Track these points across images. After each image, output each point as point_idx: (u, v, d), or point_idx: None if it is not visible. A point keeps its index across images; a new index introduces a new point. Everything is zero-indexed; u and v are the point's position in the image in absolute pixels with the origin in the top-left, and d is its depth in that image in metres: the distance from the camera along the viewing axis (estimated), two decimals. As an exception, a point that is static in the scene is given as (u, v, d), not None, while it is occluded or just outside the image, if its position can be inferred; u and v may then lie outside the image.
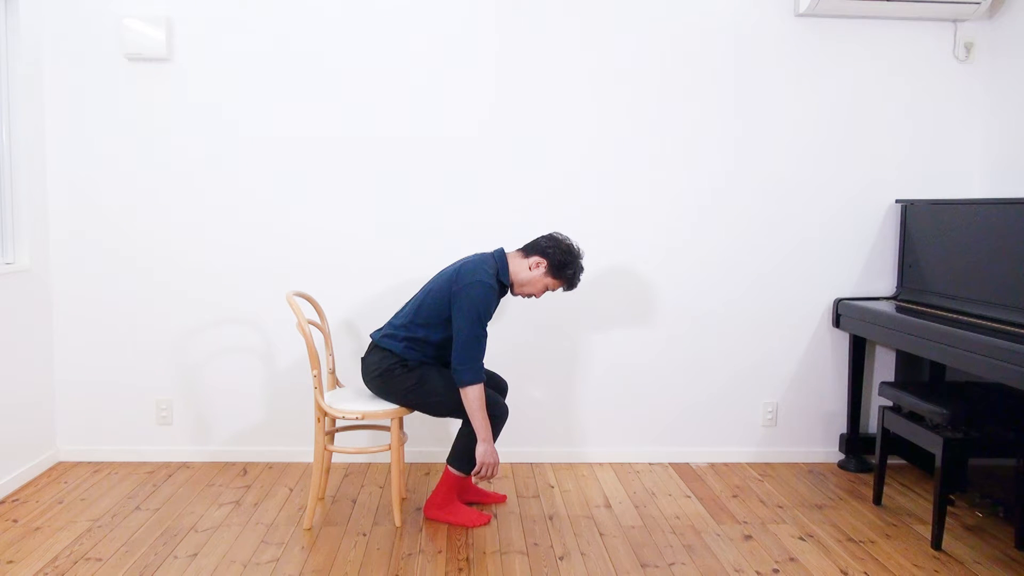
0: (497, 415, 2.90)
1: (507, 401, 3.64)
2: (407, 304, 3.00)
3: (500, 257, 2.94)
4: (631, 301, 3.64)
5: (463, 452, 2.91)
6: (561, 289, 2.98)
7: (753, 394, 3.71)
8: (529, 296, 2.99)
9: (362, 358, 2.99)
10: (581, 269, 2.95)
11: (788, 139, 3.59)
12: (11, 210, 3.31)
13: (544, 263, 2.92)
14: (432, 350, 2.91)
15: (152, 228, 3.52)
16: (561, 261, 2.90)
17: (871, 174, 3.63)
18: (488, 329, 3.56)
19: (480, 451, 2.85)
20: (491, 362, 3.61)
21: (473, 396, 2.80)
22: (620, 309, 3.64)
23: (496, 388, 3.11)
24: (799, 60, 3.56)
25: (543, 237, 2.96)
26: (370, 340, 3.12)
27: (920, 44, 3.57)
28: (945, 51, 3.58)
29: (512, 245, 3.55)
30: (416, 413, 3.61)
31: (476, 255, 2.96)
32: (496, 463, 2.87)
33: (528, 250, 2.96)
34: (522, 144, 3.53)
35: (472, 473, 2.92)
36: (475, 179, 3.53)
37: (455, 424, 3.64)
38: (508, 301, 3.60)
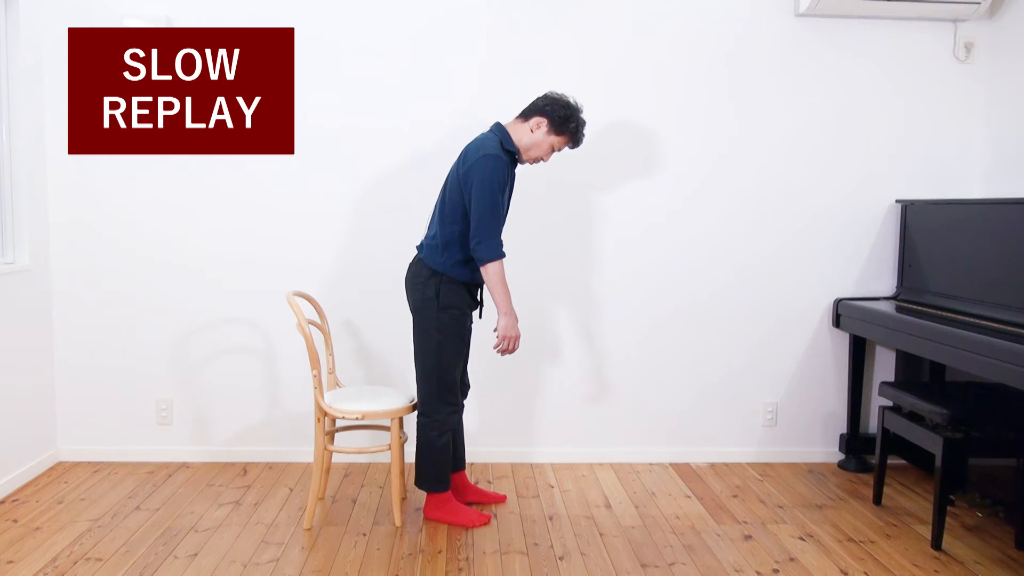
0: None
1: (508, 400, 3.64)
2: (432, 215, 2.97)
3: (499, 129, 2.90)
4: (631, 301, 3.63)
5: (423, 468, 2.93)
6: (568, 147, 2.94)
7: (753, 394, 3.71)
8: (537, 161, 2.94)
9: (409, 264, 2.97)
10: (583, 122, 2.90)
11: (787, 139, 3.59)
12: (11, 210, 3.30)
13: (544, 121, 2.86)
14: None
15: (153, 228, 3.51)
16: (562, 116, 2.85)
17: (871, 174, 3.62)
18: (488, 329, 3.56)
19: (502, 324, 2.84)
20: (491, 361, 3.60)
21: (492, 271, 2.79)
22: (620, 309, 3.63)
23: (461, 385, 3.05)
24: (798, 60, 3.55)
25: (539, 98, 2.91)
26: (415, 254, 3.04)
27: (920, 44, 3.57)
28: (945, 51, 3.58)
29: (510, 246, 3.55)
30: (415, 414, 3.60)
31: (475, 137, 2.92)
32: (518, 336, 2.87)
33: (526, 114, 2.91)
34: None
35: (493, 347, 2.91)
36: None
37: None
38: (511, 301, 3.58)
